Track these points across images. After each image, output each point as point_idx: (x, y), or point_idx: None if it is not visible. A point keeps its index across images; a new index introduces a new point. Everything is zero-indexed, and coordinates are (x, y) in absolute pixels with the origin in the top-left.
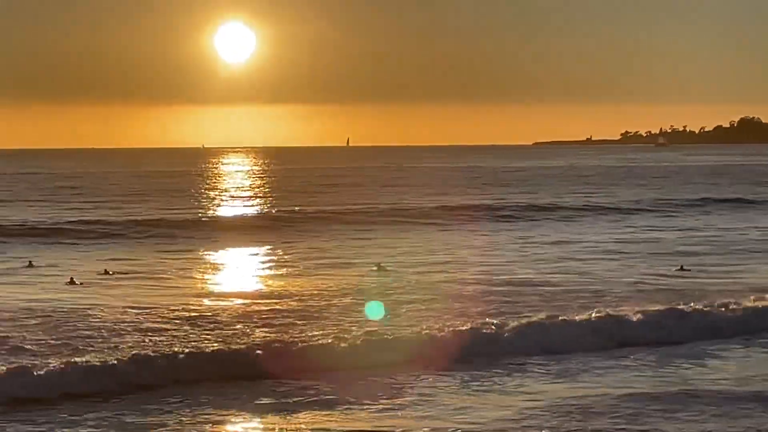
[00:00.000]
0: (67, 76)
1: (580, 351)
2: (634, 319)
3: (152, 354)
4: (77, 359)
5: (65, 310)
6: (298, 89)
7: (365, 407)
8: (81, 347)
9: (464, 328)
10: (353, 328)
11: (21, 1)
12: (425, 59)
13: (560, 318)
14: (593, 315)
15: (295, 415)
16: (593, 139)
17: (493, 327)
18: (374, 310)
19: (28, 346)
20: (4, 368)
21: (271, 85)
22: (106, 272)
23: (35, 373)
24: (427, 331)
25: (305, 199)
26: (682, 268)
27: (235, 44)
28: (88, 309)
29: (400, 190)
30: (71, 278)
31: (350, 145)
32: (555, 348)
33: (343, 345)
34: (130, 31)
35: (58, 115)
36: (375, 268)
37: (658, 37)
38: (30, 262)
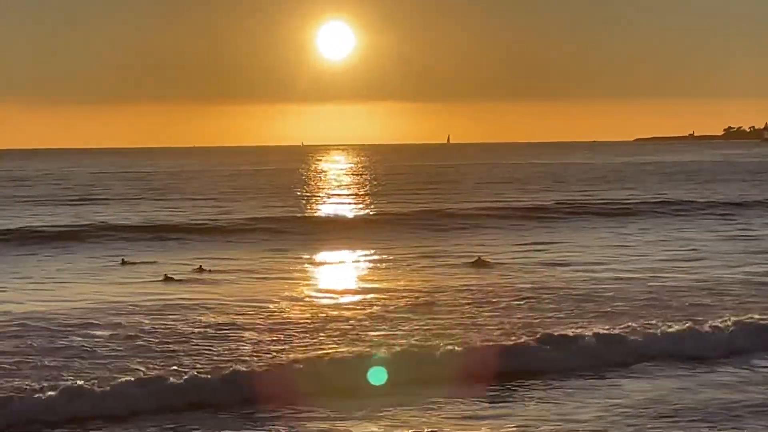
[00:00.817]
0: (170, 76)
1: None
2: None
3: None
4: (227, 369)
5: (169, 308)
6: (397, 87)
7: (452, 408)
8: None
9: (570, 333)
10: (465, 333)
11: (129, 5)
12: (524, 57)
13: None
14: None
15: (390, 422)
16: (695, 134)
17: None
18: (377, 377)
19: (141, 344)
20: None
21: (369, 83)
22: (202, 269)
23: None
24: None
25: (408, 197)
26: None
27: (335, 43)
28: (191, 307)
29: (504, 187)
30: (165, 275)
31: (450, 142)
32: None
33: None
34: (233, 31)
35: (161, 115)
36: (475, 260)
37: (761, 31)
38: (123, 259)
